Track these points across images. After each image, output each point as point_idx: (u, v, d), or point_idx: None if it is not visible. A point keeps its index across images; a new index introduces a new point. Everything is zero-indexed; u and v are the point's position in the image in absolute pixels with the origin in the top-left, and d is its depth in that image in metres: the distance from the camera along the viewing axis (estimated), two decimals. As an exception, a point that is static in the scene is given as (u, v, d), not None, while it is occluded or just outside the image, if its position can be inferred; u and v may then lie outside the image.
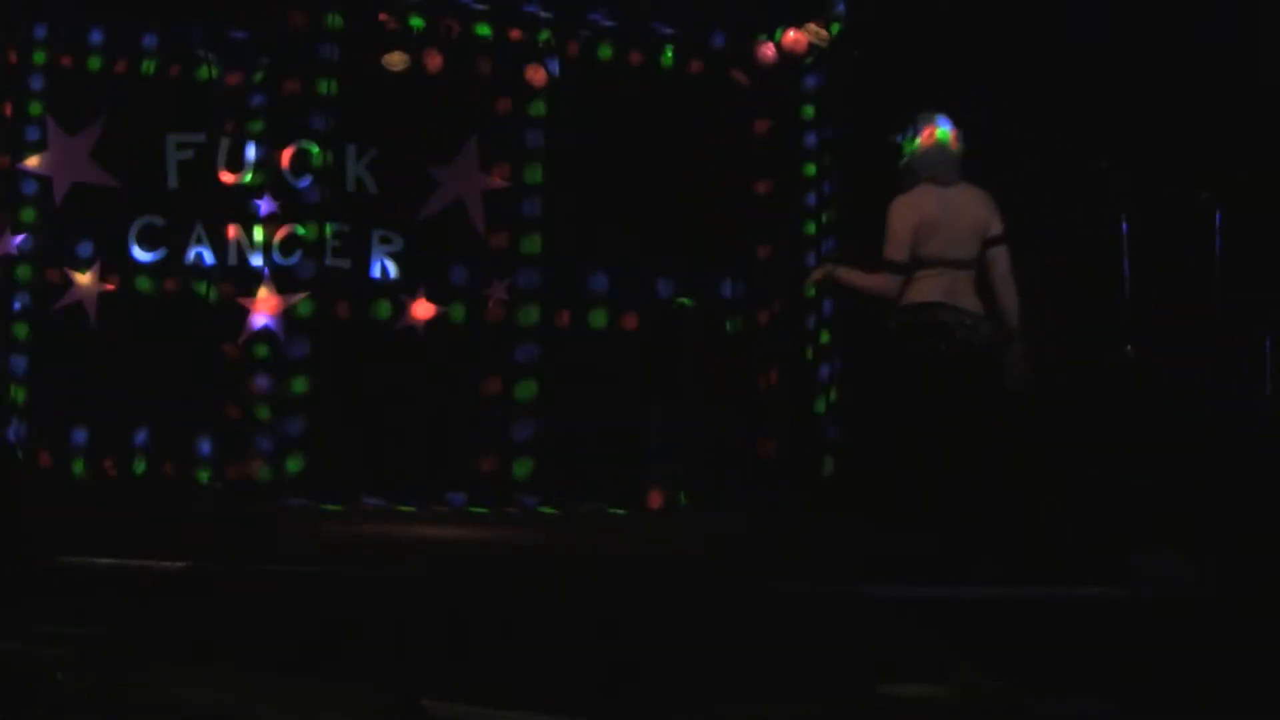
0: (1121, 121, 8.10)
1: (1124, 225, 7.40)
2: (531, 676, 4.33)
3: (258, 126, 9.67)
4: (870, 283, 6.74)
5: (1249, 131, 7.94)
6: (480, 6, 9.78)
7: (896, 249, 6.50)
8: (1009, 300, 6.56)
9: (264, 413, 9.55)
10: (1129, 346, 7.36)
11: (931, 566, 6.65)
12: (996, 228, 6.61)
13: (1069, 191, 8.13)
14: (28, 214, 9.56)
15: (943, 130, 6.67)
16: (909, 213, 6.52)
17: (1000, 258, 6.59)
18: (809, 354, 9.61)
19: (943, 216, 6.53)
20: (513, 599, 5.74)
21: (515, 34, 9.80)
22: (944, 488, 6.51)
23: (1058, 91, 8.32)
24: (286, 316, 9.63)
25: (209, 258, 9.64)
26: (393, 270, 9.75)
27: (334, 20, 9.68)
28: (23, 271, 9.52)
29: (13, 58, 9.51)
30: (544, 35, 9.82)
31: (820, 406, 9.54)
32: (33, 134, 9.57)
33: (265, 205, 9.65)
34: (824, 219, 9.69)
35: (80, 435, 9.45)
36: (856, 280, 6.89)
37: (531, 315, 9.76)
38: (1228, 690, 4.37)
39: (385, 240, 9.76)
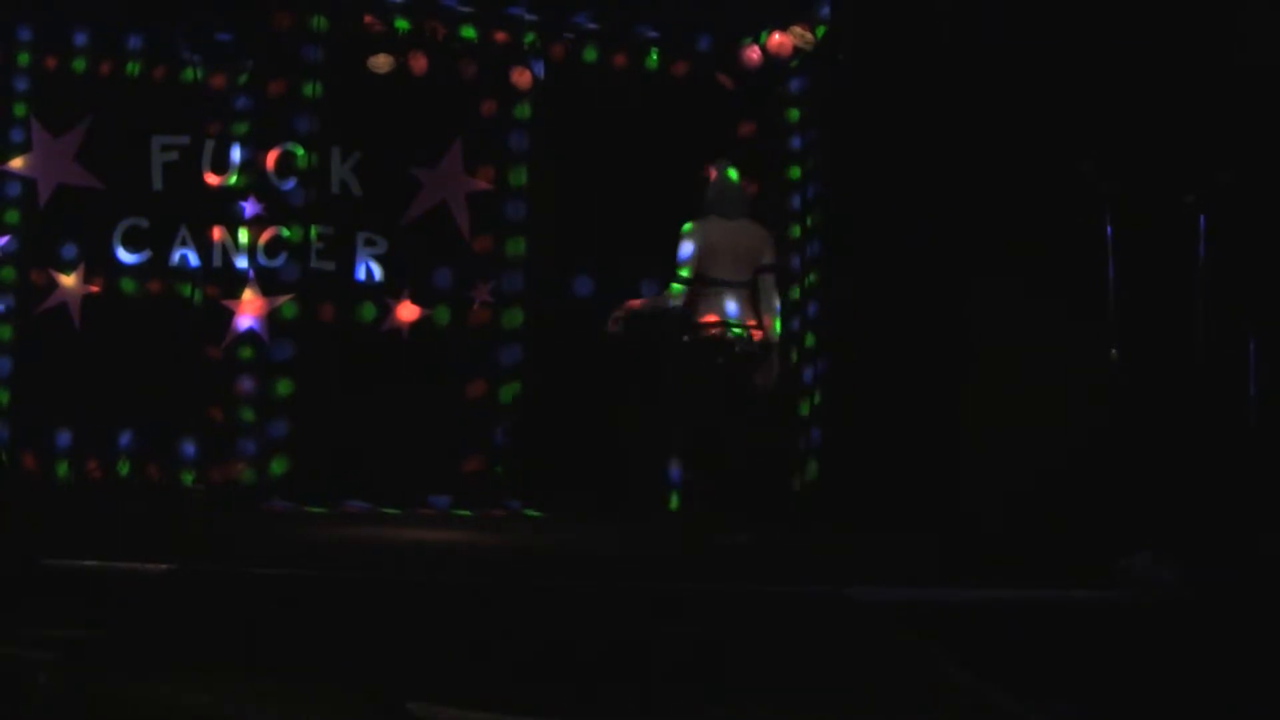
0: (1106, 124, 8.12)
1: (1108, 228, 7.43)
2: (518, 679, 4.33)
3: (242, 129, 9.66)
4: (658, 300, 7.92)
5: (1233, 134, 7.96)
6: (465, 9, 9.78)
7: (682, 267, 7.63)
8: (769, 318, 7.72)
9: (248, 415, 9.54)
10: (1113, 350, 7.39)
11: (916, 569, 6.69)
12: (769, 258, 7.79)
13: (1053, 194, 8.15)
14: (11, 216, 9.54)
15: (731, 170, 7.98)
16: (695, 238, 7.64)
17: (767, 282, 7.75)
18: (794, 357, 9.61)
19: (724, 244, 7.64)
20: (497, 601, 5.75)
21: (500, 37, 9.80)
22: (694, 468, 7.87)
23: (1041, 93, 8.34)
24: (271, 319, 9.62)
25: (194, 260, 9.62)
26: (377, 273, 9.74)
27: (319, 22, 9.67)
28: (7, 273, 9.50)
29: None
30: (529, 38, 9.82)
31: (805, 409, 9.54)
32: (17, 135, 9.55)
33: (250, 207, 9.64)
34: (808, 222, 9.69)
35: (64, 437, 9.43)
36: (646, 304, 8.09)
37: (515, 318, 9.76)
38: (1209, 693, 4.38)
39: (370, 243, 9.75)
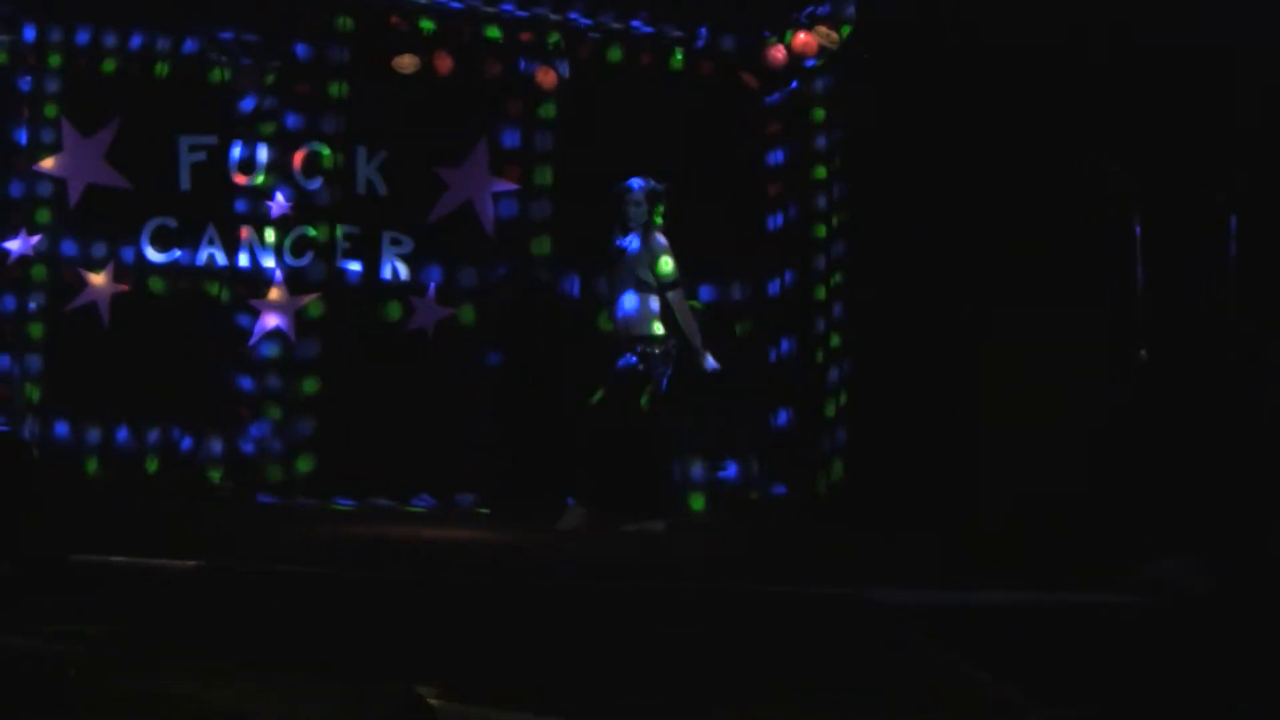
0: (1134, 124, 8.09)
1: (1137, 227, 7.40)
2: (536, 677, 4.34)
3: (269, 129, 9.71)
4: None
5: (1264, 134, 7.92)
6: (490, 9, 9.80)
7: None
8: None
9: (275, 413, 9.59)
10: (1141, 351, 7.36)
11: (938, 571, 6.67)
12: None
13: (1080, 194, 8.12)
14: (42, 215, 9.60)
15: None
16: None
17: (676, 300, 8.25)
18: (819, 357, 9.60)
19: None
20: (519, 600, 5.76)
21: (525, 36, 9.81)
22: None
23: (1069, 93, 8.32)
24: (297, 317, 9.67)
25: (221, 259, 9.67)
26: (403, 272, 9.78)
27: (344, 23, 9.71)
28: (38, 272, 9.56)
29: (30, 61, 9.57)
30: (554, 38, 9.83)
31: (830, 410, 9.53)
32: (47, 136, 9.62)
33: (277, 207, 9.68)
34: (834, 222, 9.67)
35: (93, 434, 9.48)
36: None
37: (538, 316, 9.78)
38: (1234, 696, 4.37)
39: (395, 242, 9.79)
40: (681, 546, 7.93)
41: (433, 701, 3.76)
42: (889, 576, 6.41)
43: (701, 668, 4.56)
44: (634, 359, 8.21)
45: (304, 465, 9.55)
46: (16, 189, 9.58)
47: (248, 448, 9.54)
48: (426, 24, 9.69)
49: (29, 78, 9.57)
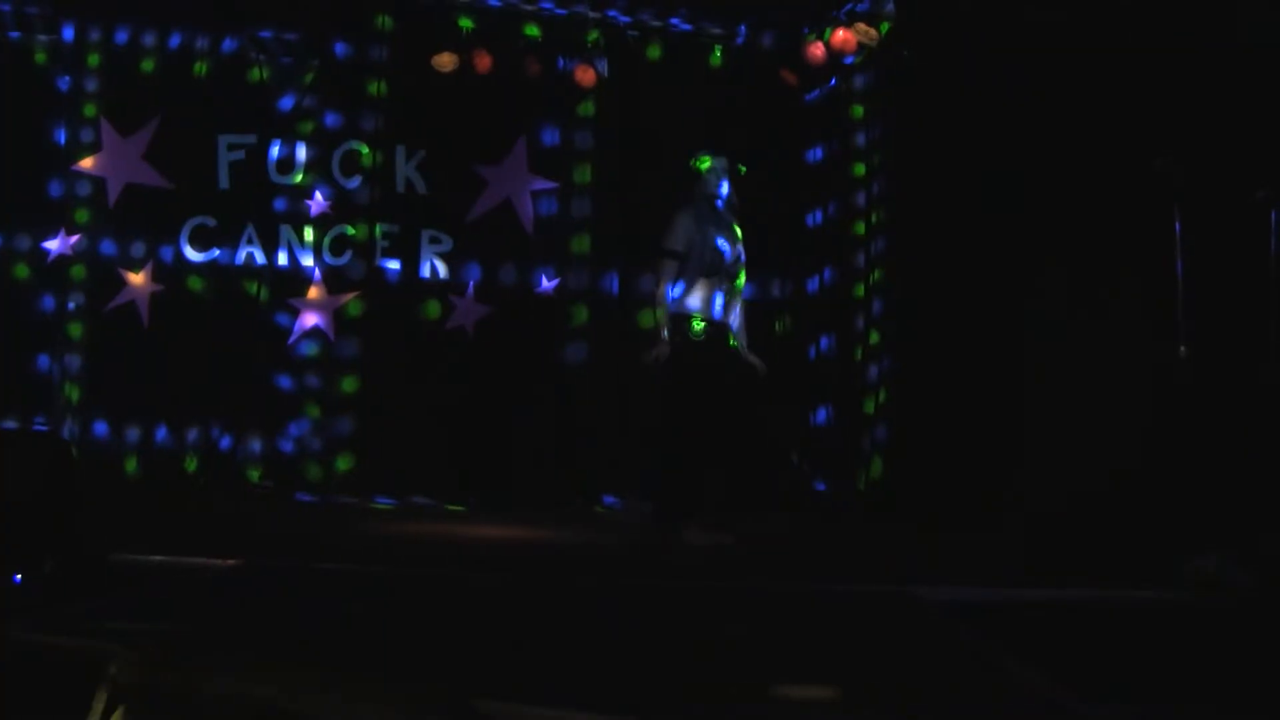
0: (1176, 118, 8.02)
1: (1177, 223, 7.34)
2: (580, 674, 4.33)
3: (308, 128, 9.73)
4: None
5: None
6: (529, 7, 9.80)
7: None
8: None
9: (314, 412, 9.61)
10: (1182, 347, 7.29)
11: (982, 568, 6.64)
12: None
13: (1121, 190, 8.06)
14: (81, 215, 9.65)
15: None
16: None
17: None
18: (859, 354, 9.57)
19: None
20: (560, 598, 5.75)
21: (564, 34, 9.81)
22: None
23: (1110, 87, 8.25)
24: (337, 316, 9.69)
25: (260, 258, 9.70)
26: (442, 270, 9.79)
27: (384, 21, 9.72)
28: (77, 271, 9.61)
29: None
30: (593, 35, 9.82)
31: (869, 407, 9.49)
32: (87, 136, 9.66)
33: (316, 206, 9.70)
34: (874, 219, 9.64)
35: (133, 433, 9.53)
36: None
37: (581, 315, 9.78)
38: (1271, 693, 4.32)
39: (434, 240, 9.80)
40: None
41: (480, 701, 3.75)
42: (933, 574, 6.37)
43: (751, 666, 4.54)
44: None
45: (343, 464, 9.56)
46: (56, 189, 9.63)
47: (287, 446, 9.56)
48: (465, 22, 9.69)
49: (68, 77, 9.61)
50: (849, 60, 9.70)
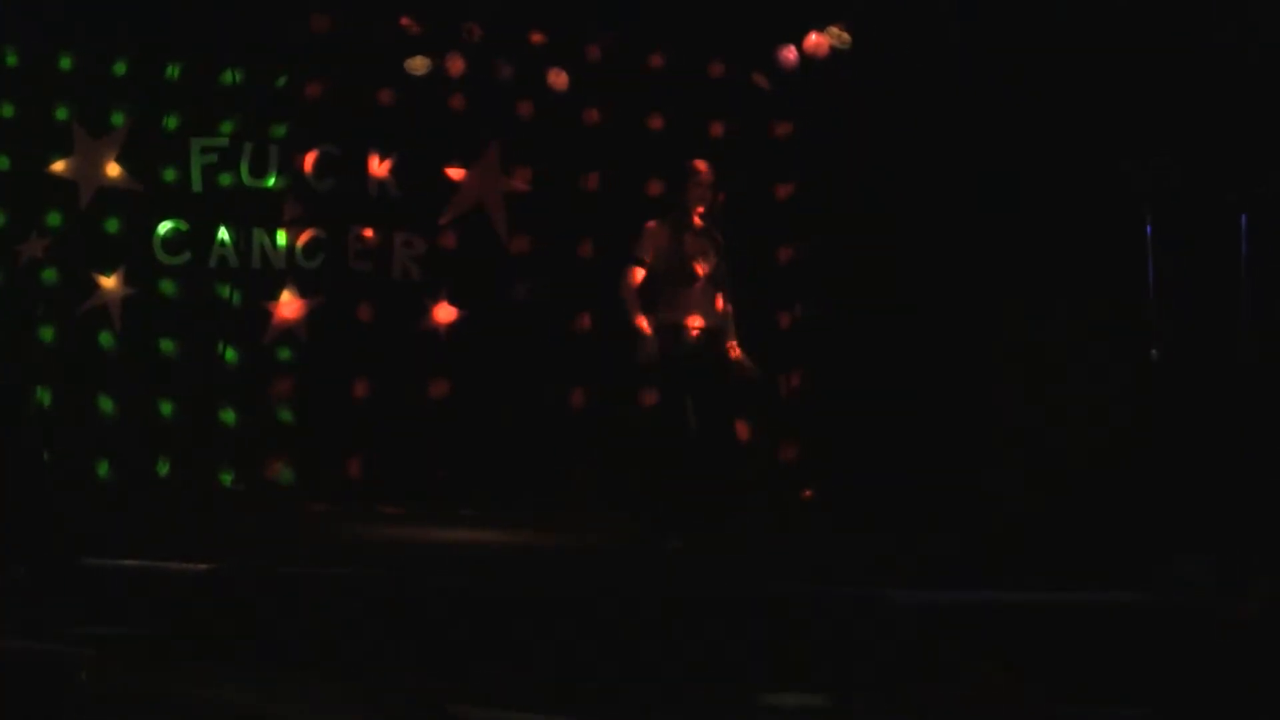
0: (1145, 122, 8.07)
1: (1148, 227, 7.37)
2: (549, 679, 4.33)
3: (281, 131, 9.70)
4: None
5: (1274, 133, 7.89)
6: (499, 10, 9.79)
7: None
8: None
9: (286, 415, 9.58)
10: (1153, 350, 7.33)
11: (955, 571, 6.65)
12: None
13: (1091, 193, 8.10)
14: (53, 218, 9.60)
15: None
16: None
17: None
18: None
19: None
20: (532, 602, 5.74)
21: (536, 38, 9.80)
22: None
23: (1081, 91, 8.29)
24: (309, 319, 9.66)
25: (232, 261, 9.66)
26: (415, 273, 9.76)
27: (355, 25, 9.71)
28: (48, 275, 9.56)
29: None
30: (564, 40, 9.81)
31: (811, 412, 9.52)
32: (59, 139, 9.61)
33: (288, 209, 9.67)
34: (840, 220, 9.63)
35: (105, 437, 9.47)
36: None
37: (558, 318, 9.75)
38: (1254, 696, 4.34)
39: (407, 244, 9.77)
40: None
41: (454, 705, 3.75)
42: (906, 576, 6.38)
43: (727, 672, 4.54)
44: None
45: (317, 467, 9.54)
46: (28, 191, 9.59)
47: (260, 450, 9.53)
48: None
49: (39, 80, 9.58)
50: (821, 63, 9.69)
